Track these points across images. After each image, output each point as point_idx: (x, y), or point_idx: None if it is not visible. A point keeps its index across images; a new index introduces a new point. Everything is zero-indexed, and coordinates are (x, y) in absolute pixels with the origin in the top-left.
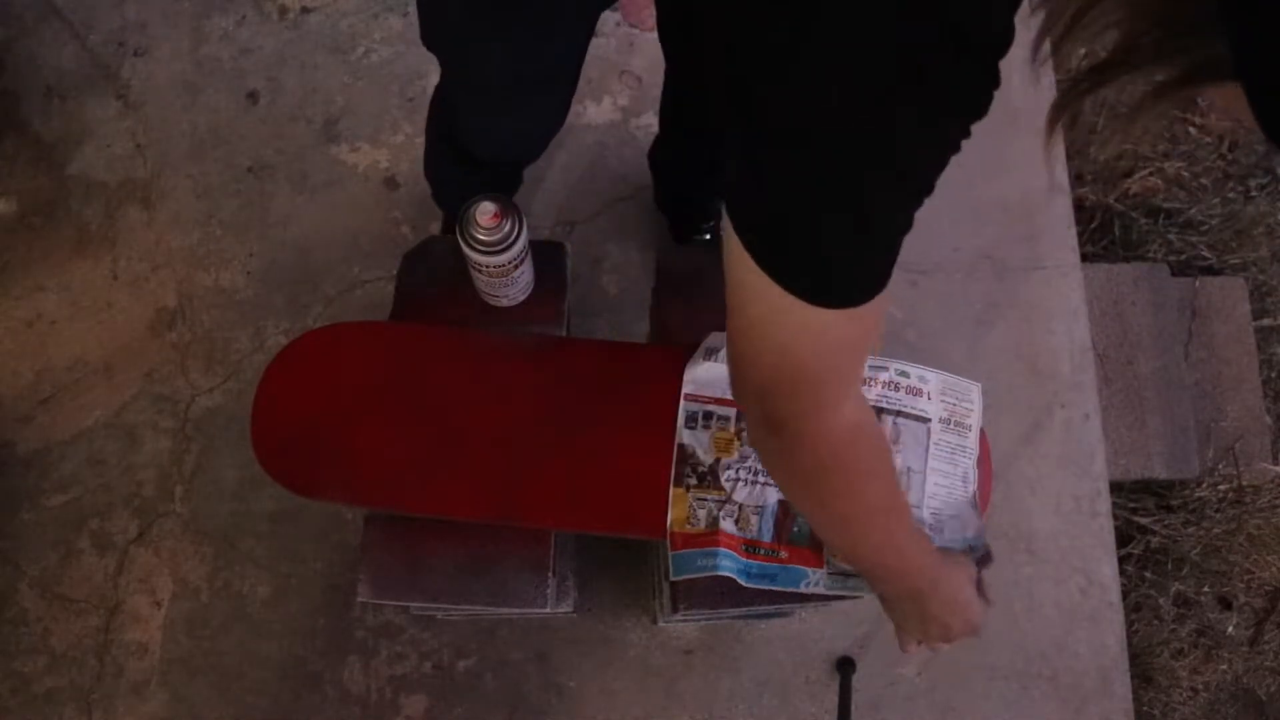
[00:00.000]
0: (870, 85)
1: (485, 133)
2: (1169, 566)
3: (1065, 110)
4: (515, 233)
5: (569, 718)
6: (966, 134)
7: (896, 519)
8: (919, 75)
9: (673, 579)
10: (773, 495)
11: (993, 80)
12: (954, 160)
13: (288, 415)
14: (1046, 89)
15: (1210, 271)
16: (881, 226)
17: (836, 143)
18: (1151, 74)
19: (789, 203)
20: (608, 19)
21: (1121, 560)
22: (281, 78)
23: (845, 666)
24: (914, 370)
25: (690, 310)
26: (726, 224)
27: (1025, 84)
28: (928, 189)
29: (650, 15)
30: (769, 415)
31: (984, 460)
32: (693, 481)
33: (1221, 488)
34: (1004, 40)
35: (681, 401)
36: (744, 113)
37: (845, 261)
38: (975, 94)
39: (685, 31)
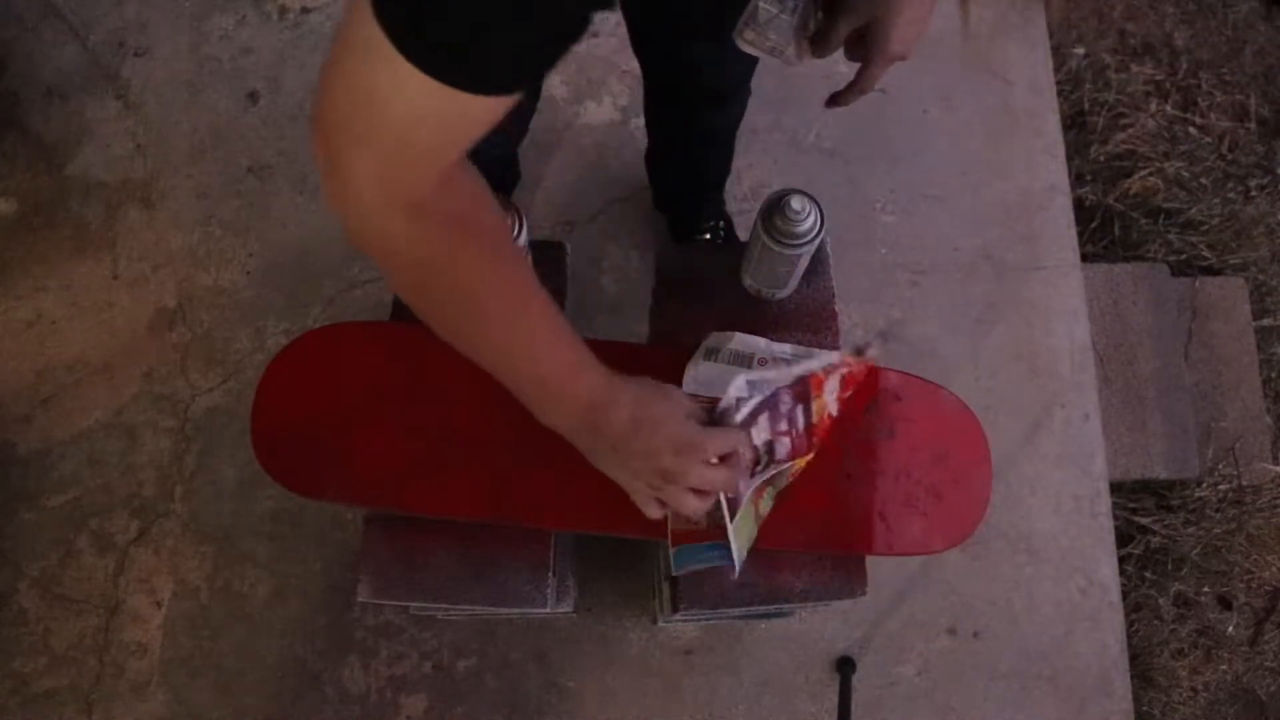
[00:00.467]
0: None
1: None
2: (1169, 566)
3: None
4: (515, 233)
5: (569, 718)
6: None
7: (519, 307)
8: None
9: (674, 574)
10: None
11: None
12: (954, 160)
13: (288, 415)
14: (1046, 90)
15: (1210, 271)
16: (499, 24)
17: None
18: None
19: None
20: (608, 19)
21: (1121, 560)
22: (281, 78)
23: (845, 666)
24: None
25: (690, 310)
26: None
27: (1025, 85)
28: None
29: None
30: (350, 172)
31: (984, 460)
32: None
33: (1221, 488)
34: None
35: None
36: None
37: (455, 37)
38: None
39: (651, 37)
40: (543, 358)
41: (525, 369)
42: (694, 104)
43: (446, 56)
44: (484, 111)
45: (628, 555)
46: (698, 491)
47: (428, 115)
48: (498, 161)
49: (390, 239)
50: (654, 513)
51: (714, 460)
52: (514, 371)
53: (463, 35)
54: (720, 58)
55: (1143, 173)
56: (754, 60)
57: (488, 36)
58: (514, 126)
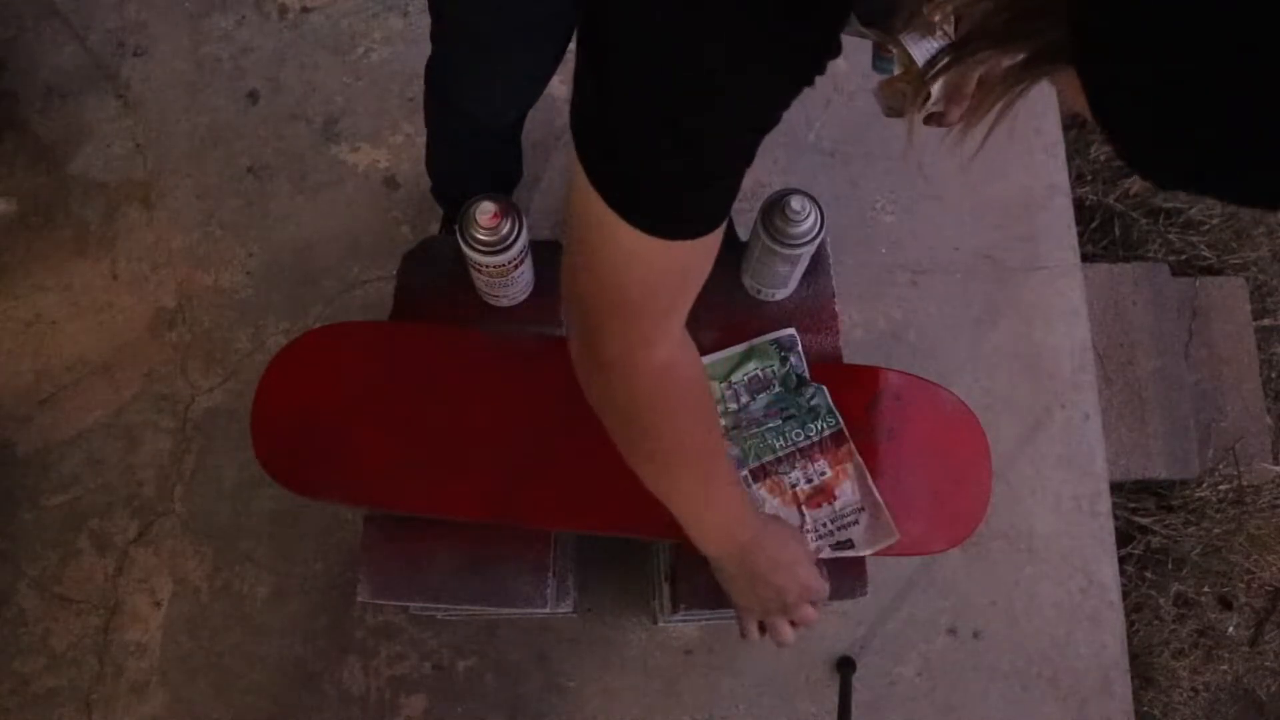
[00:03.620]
0: (691, 14)
1: (476, 77)
2: (1169, 566)
3: (929, 83)
4: (515, 233)
5: (569, 718)
6: (793, 91)
7: (710, 464)
8: (751, 17)
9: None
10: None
11: (825, 47)
12: (955, 160)
13: (287, 415)
14: (1047, 89)
15: (1210, 271)
16: (710, 161)
17: (652, 64)
18: (1005, 54)
19: (617, 121)
20: None
21: (1121, 560)
22: (281, 77)
23: (845, 666)
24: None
25: (690, 310)
26: (573, 152)
27: None
28: (748, 140)
29: None
30: (591, 346)
31: (984, 460)
32: None
33: (1222, 488)
34: (841, 10)
35: None
36: (587, 26)
37: (673, 192)
38: (801, 54)
39: None
40: (720, 507)
41: (705, 512)
42: None
43: (667, 215)
44: (707, 250)
45: (628, 555)
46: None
47: (664, 270)
48: (499, 139)
49: (632, 396)
50: (752, 635)
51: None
52: (694, 512)
53: (675, 194)
54: None
55: None
56: None
57: (696, 188)
58: (528, 89)
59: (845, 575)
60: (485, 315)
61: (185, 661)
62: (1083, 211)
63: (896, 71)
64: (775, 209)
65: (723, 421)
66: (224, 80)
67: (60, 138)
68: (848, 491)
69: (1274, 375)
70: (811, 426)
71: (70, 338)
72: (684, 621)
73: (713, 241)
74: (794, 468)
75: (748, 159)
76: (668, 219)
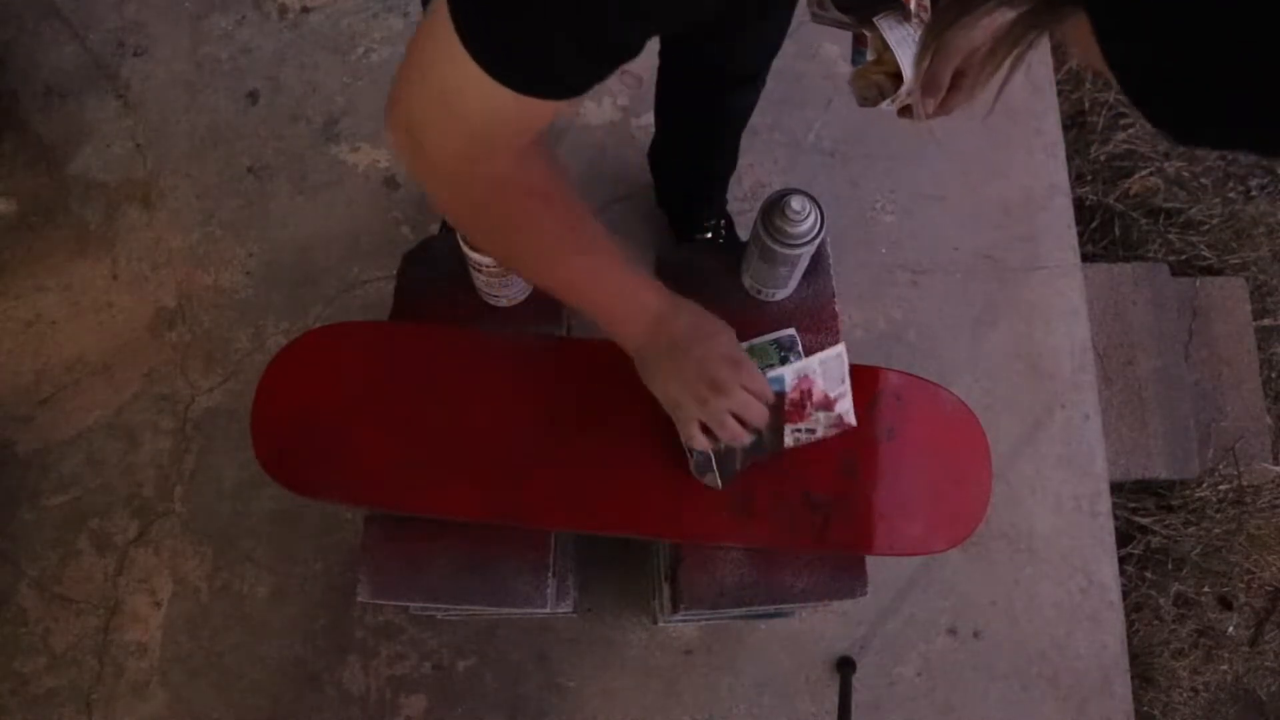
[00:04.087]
0: None
1: None
2: (1169, 566)
3: (936, 36)
4: None
5: (569, 718)
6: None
7: (581, 254)
8: None
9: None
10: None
11: None
12: (954, 160)
13: (287, 415)
14: (1047, 89)
15: (1210, 271)
16: (570, 27)
17: None
18: (1012, 5)
19: None
20: None
21: (1121, 560)
22: (281, 78)
23: (845, 666)
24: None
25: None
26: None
27: (1025, 84)
28: (611, 22)
29: None
30: (425, 155)
31: (984, 460)
32: None
33: (1222, 488)
34: None
35: None
36: None
37: (533, 54)
38: None
39: None
40: (612, 283)
41: (599, 295)
42: (714, 85)
43: (516, 66)
44: (549, 110)
45: (628, 555)
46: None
47: (499, 112)
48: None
49: (473, 207)
50: (698, 440)
51: (752, 389)
52: (589, 299)
53: (531, 48)
54: (747, 39)
55: (1143, 172)
56: (777, 45)
57: (550, 50)
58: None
59: (845, 575)
60: (485, 315)
61: (185, 661)
62: (1083, 211)
63: (870, 59)
64: (775, 209)
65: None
66: (224, 80)
67: (60, 138)
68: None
69: (1274, 375)
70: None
71: (70, 338)
72: (684, 621)
73: (559, 106)
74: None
75: (617, 46)
76: (521, 73)
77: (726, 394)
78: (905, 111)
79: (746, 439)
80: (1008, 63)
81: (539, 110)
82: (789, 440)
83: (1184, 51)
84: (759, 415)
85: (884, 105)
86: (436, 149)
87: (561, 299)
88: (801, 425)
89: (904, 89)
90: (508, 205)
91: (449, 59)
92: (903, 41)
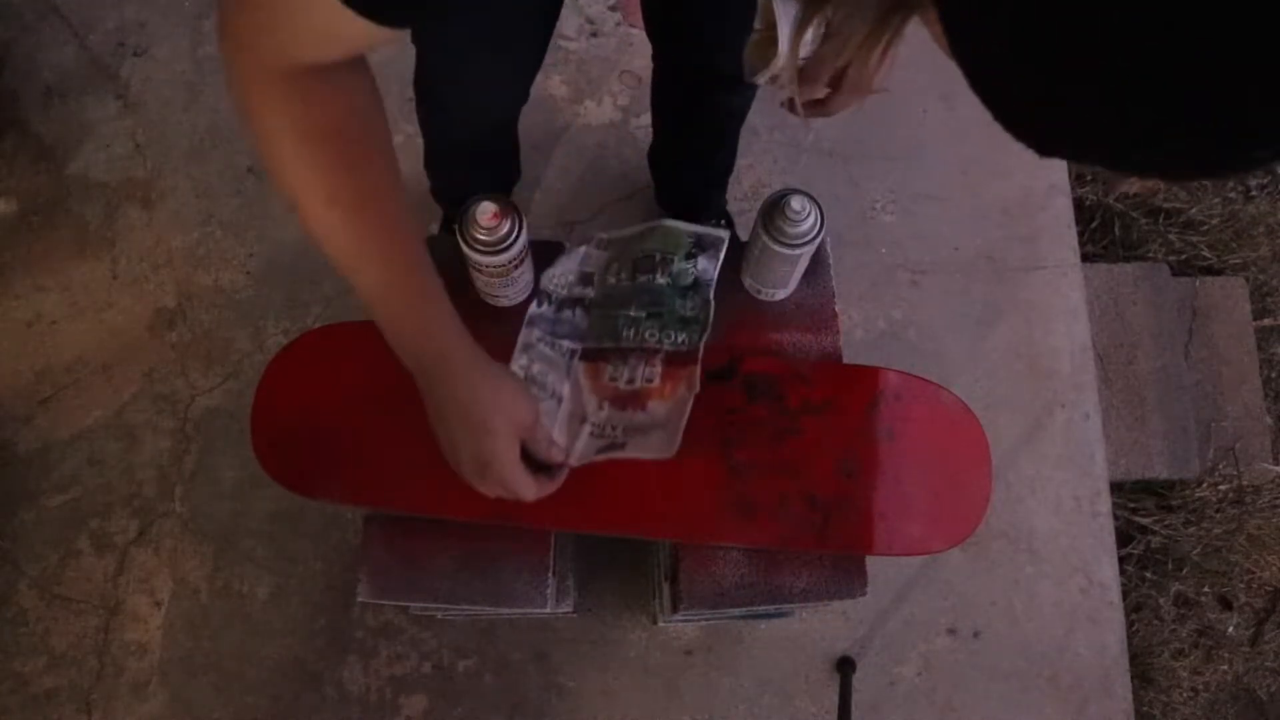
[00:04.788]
0: None
1: (467, 78)
2: (1169, 566)
3: (805, 24)
4: (515, 233)
5: (569, 718)
6: None
7: (369, 207)
8: None
9: None
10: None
11: None
12: (954, 160)
13: (287, 415)
14: None
15: (1210, 271)
16: None
17: None
18: None
19: None
20: (608, 18)
21: (1121, 560)
22: None
23: (845, 666)
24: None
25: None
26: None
27: None
28: None
29: None
30: (220, 27)
31: (984, 460)
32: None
33: (1222, 488)
34: None
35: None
36: None
37: None
38: None
39: (671, 16)
40: (395, 277)
41: (372, 280)
42: (709, 86)
43: None
44: (359, 28)
45: (628, 555)
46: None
47: (313, 9)
48: (495, 139)
49: (263, 103)
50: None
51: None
52: (351, 277)
53: None
54: (741, 38)
55: None
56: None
57: None
58: (518, 85)
59: (845, 575)
60: (485, 315)
61: (185, 661)
62: (1083, 211)
63: (758, 26)
64: (775, 209)
65: (589, 292)
66: (224, 80)
67: (60, 138)
68: (659, 410)
69: (1274, 375)
70: (670, 335)
71: (70, 338)
72: (684, 621)
73: (379, 32)
74: (625, 364)
75: None
76: None
77: (479, 487)
78: (790, 104)
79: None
80: (880, 54)
81: (345, 19)
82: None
83: (1024, 45)
84: (513, 498)
85: (759, 79)
86: (244, 28)
87: (338, 268)
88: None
89: (778, 63)
90: (283, 111)
91: None
92: (787, 12)
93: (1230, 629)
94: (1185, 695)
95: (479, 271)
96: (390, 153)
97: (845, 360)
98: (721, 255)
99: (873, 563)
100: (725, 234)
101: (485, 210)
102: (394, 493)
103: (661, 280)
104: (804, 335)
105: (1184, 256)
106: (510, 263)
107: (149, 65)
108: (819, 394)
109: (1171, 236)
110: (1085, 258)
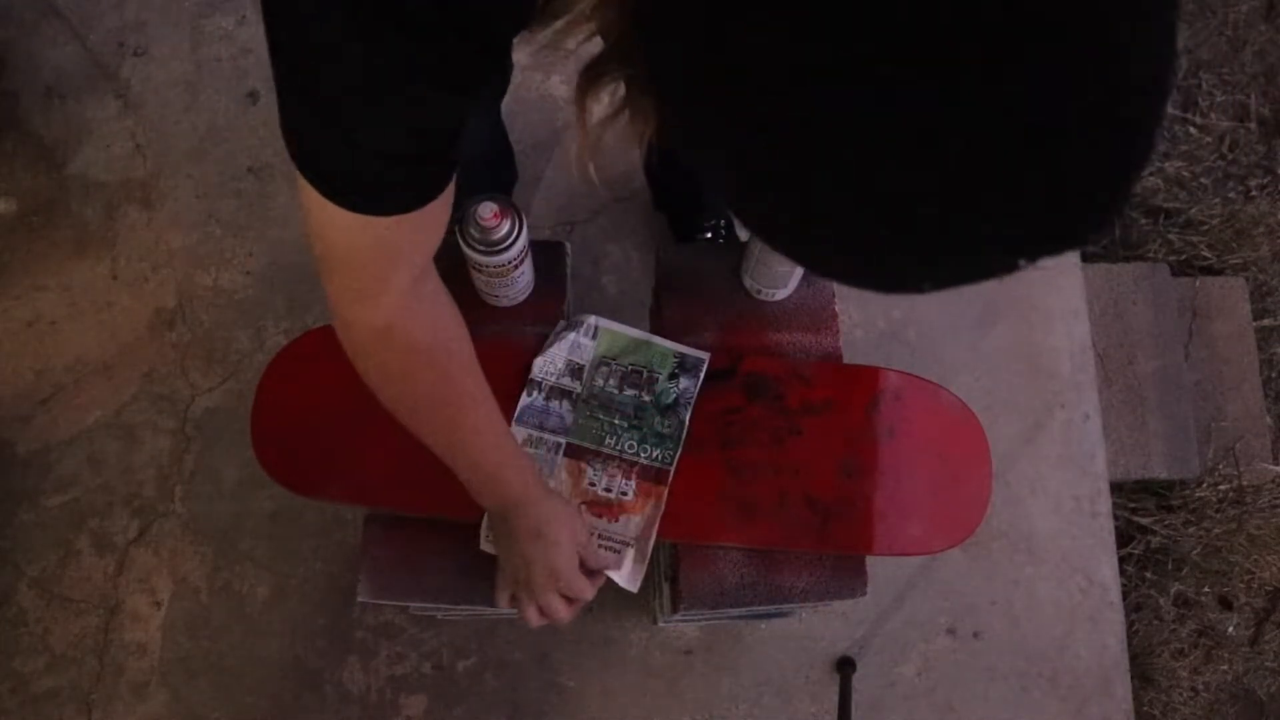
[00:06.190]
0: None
1: None
2: (1169, 566)
3: (581, 100)
4: (515, 233)
5: (569, 718)
6: (446, 91)
7: (456, 416)
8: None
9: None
10: None
11: (475, 55)
12: None
13: (288, 415)
14: None
15: (1210, 271)
16: (365, 139)
17: (293, 48)
18: (631, 69)
19: (285, 102)
20: None
21: (1121, 560)
22: None
23: (845, 666)
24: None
25: (690, 310)
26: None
27: None
28: (409, 116)
29: None
30: (327, 298)
31: (984, 460)
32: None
33: (1222, 488)
34: (498, 19)
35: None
36: None
37: (351, 169)
38: (442, 56)
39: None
40: (474, 459)
41: (459, 462)
42: None
43: (349, 190)
44: (414, 227)
45: None
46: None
47: (353, 237)
48: (479, 146)
49: (355, 351)
50: (500, 601)
51: (568, 593)
52: (450, 460)
53: (353, 170)
54: None
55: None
56: None
57: (383, 171)
58: (484, 114)
59: (845, 575)
60: (485, 315)
61: (185, 661)
62: None
63: None
64: None
65: (577, 387)
66: (224, 80)
67: (60, 138)
68: (630, 524)
69: (1274, 375)
70: (646, 450)
71: (70, 338)
72: (684, 621)
73: (419, 219)
74: (603, 472)
75: (428, 140)
76: (349, 193)
77: (534, 596)
78: None
79: (565, 617)
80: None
81: (393, 235)
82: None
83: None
84: (561, 617)
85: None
86: (328, 285)
87: (435, 452)
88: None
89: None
90: (387, 352)
91: (311, 203)
92: None
93: (1230, 629)
94: (1185, 695)
95: (479, 271)
96: (472, 360)
97: (845, 360)
98: (701, 375)
99: (873, 563)
100: (705, 355)
101: (485, 210)
102: (394, 493)
103: (646, 397)
104: (804, 335)
105: (1184, 256)
106: (510, 263)
107: (149, 65)
108: (819, 394)
109: (1171, 236)
110: (1085, 258)
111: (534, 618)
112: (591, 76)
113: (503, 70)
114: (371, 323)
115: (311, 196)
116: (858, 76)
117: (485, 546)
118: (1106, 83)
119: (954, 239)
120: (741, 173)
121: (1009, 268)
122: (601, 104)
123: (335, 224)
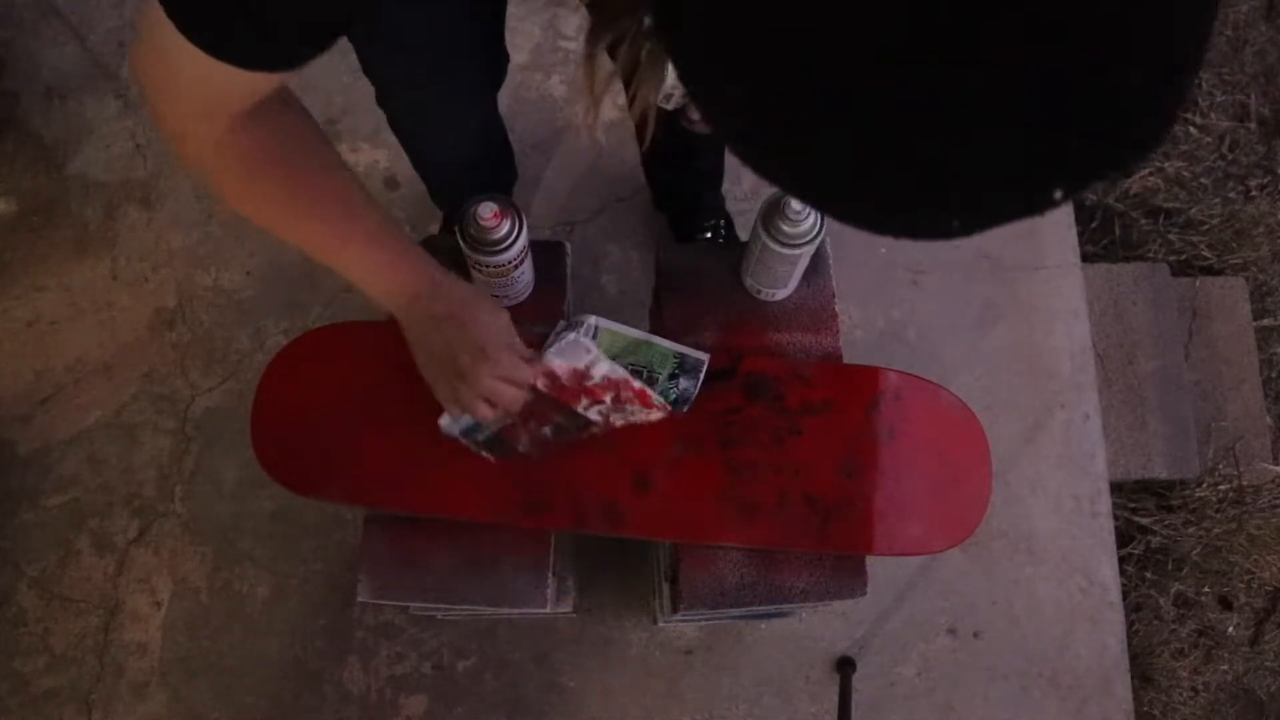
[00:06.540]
0: None
1: (415, 109)
2: (1169, 566)
3: (589, 55)
4: (515, 232)
5: (569, 718)
6: None
7: (324, 213)
8: None
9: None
10: None
11: None
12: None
13: (287, 415)
14: None
15: (1210, 271)
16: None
17: None
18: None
19: None
20: None
21: (1121, 560)
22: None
23: (845, 666)
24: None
25: (690, 310)
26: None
27: None
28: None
29: None
30: (154, 117)
31: (984, 460)
32: None
33: (1222, 488)
34: None
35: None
36: None
37: (220, 16)
38: None
39: None
40: (362, 255)
41: (349, 266)
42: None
43: (205, 27)
44: (261, 81)
45: (628, 555)
46: (490, 402)
47: (209, 77)
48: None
49: (197, 163)
50: (452, 410)
51: (503, 377)
52: (341, 268)
53: (211, 10)
54: None
55: (1143, 173)
56: None
57: (245, 23)
58: (470, 102)
59: (845, 575)
60: None
61: (185, 661)
62: (1083, 211)
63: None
64: (775, 209)
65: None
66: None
67: (60, 138)
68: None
69: (1274, 375)
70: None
71: (70, 338)
72: (684, 621)
73: (268, 78)
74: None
75: (307, 28)
76: (209, 34)
77: (470, 383)
78: (687, 120)
79: (493, 417)
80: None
81: (247, 77)
82: (595, 415)
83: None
84: (510, 400)
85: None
86: (160, 105)
87: (316, 259)
88: (604, 405)
89: (668, 81)
90: (227, 165)
91: (161, 20)
92: None
93: (1230, 629)
94: (1185, 695)
95: (479, 271)
96: (332, 160)
97: (845, 360)
98: (701, 376)
99: (873, 563)
100: (705, 356)
101: (485, 210)
102: (394, 493)
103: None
104: (804, 335)
105: (1184, 256)
106: (510, 262)
107: None
108: (819, 394)
109: (1171, 236)
110: (1085, 258)
111: (484, 410)
112: (600, 30)
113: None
114: (209, 135)
115: (167, 34)
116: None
117: (442, 422)
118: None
119: (986, 167)
120: (755, 115)
121: (1046, 202)
122: (608, 67)
123: (188, 58)
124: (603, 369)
